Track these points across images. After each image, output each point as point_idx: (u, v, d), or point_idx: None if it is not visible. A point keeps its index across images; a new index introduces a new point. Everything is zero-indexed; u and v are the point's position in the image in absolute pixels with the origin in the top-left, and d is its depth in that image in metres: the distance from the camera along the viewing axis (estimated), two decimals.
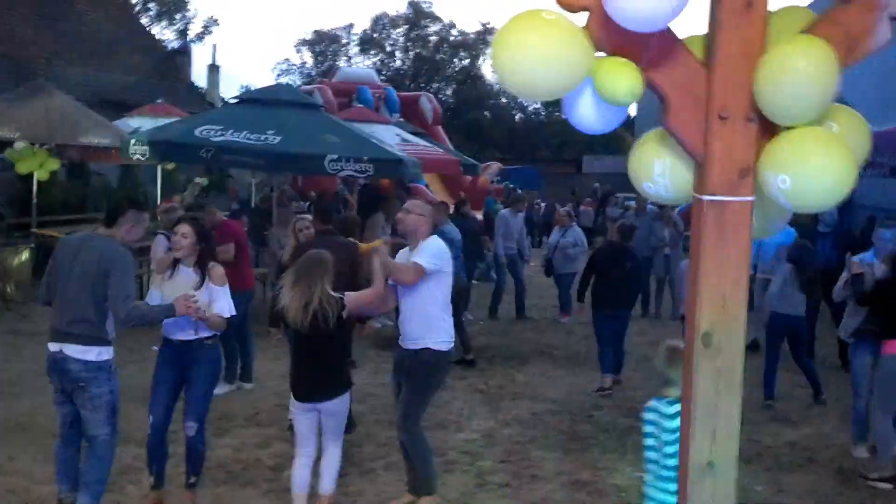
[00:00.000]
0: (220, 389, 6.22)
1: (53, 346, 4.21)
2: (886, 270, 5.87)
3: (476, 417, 6.61)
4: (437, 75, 49.19)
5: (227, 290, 4.62)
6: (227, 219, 7.80)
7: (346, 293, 4.41)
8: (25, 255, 10.57)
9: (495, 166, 21.46)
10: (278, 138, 8.94)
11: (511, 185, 22.76)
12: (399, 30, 49.51)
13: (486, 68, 46.57)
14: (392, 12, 50.23)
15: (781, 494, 5.27)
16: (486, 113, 46.86)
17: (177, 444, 4.94)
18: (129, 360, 6.97)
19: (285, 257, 6.44)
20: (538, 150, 44.32)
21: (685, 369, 2.30)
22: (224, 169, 15.17)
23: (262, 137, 8.94)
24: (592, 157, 39.20)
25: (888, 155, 8.55)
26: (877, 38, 2.16)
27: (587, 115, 2.29)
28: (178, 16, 32.79)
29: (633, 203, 14.34)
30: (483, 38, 45.96)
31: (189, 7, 33.14)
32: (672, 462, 3.26)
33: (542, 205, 23.76)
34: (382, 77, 32.24)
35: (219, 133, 8.98)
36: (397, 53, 50.09)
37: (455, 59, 49.49)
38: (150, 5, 31.55)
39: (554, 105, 34.97)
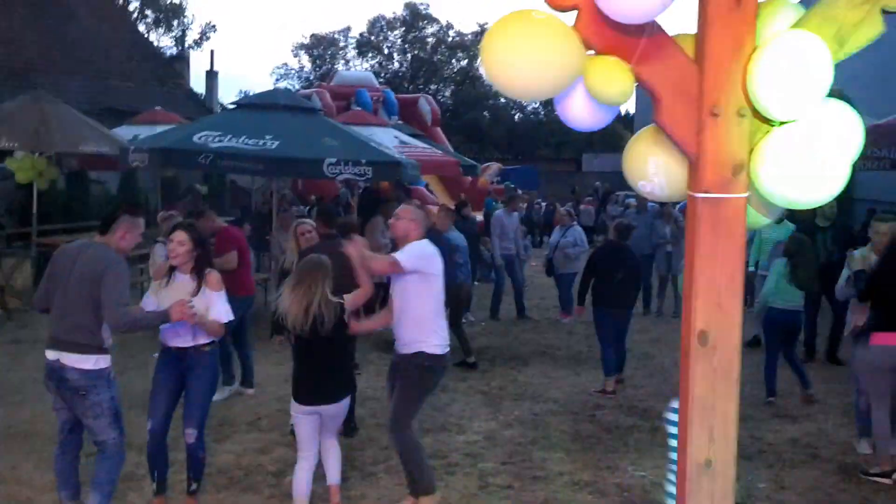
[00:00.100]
0: (219, 395, 6.22)
1: (51, 355, 4.22)
2: (876, 261, 5.83)
3: (477, 419, 6.60)
4: (436, 77, 49.25)
5: (223, 295, 4.62)
6: (226, 225, 7.79)
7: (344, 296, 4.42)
8: (26, 264, 10.58)
9: (495, 167, 21.49)
10: (277, 143, 8.96)
11: (512, 185, 22.77)
12: (396, 32, 49.60)
13: None
14: (389, 14, 50.40)
15: (783, 491, 5.25)
16: (485, 113, 46.90)
17: (178, 450, 4.94)
18: (129, 367, 6.98)
19: (286, 262, 6.43)
20: (538, 150, 44.34)
21: (681, 368, 2.29)
22: (224, 175, 15.18)
23: (261, 142, 8.96)
24: (592, 154, 39.22)
25: (888, 148, 8.51)
26: (869, 31, 2.15)
27: (579, 114, 2.29)
28: (175, 22, 32.82)
29: (633, 201, 14.30)
30: (480, 38, 45.90)
31: (186, 13, 33.19)
32: None
33: (543, 204, 23.77)
34: (380, 80, 32.31)
35: (217, 139, 8.98)
36: (395, 56, 50.17)
37: (453, 61, 49.56)
38: (148, 12, 31.58)
39: (552, 104, 34.73)
